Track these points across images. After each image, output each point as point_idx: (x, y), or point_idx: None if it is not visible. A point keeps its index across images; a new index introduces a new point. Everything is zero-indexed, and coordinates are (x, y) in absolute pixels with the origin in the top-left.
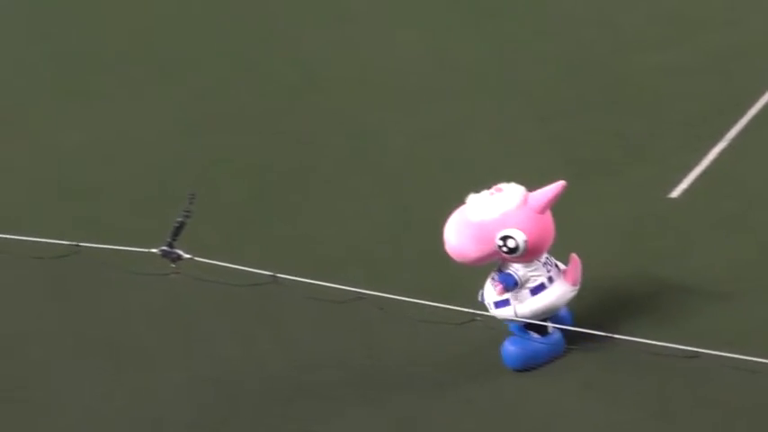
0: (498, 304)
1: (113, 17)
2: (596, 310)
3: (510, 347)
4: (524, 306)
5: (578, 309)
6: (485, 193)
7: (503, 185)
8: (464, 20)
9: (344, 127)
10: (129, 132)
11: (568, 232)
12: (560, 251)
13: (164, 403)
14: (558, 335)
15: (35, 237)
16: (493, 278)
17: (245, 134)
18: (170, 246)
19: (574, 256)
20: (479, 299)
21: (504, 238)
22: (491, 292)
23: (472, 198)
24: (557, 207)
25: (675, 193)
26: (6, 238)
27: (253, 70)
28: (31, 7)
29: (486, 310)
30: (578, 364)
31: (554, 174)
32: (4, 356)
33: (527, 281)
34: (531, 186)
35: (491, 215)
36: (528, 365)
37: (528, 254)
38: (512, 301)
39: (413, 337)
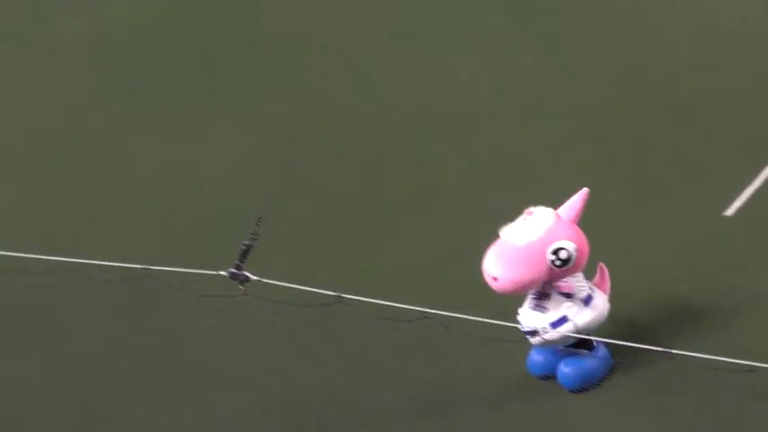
0: (556, 324)
1: (184, 45)
2: (652, 325)
3: (565, 369)
4: (582, 317)
5: (635, 323)
6: (523, 216)
7: (532, 209)
8: (523, 44)
9: (407, 150)
10: (198, 158)
11: (625, 250)
12: (619, 268)
13: (235, 422)
14: (604, 349)
15: (107, 260)
16: (537, 299)
17: (311, 159)
18: (238, 268)
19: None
20: (523, 330)
21: (557, 251)
22: (535, 316)
23: (507, 228)
24: (614, 225)
25: (730, 211)
26: (79, 262)
27: (318, 97)
28: (102, 36)
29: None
30: (633, 379)
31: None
32: (77, 377)
33: (577, 292)
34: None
35: (536, 234)
36: (584, 385)
37: (577, 264)
38: (569, 317)
39: (475, 355)
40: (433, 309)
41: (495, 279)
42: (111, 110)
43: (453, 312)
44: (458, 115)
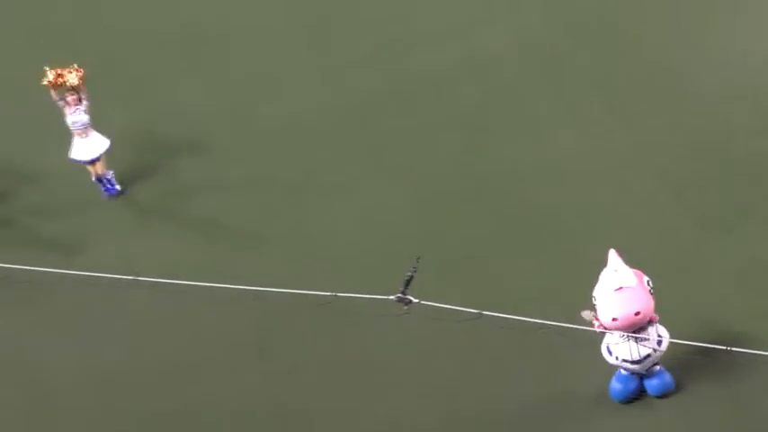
0: (660, 342)
1: (356, 123)
2: (716, 329)
3: (654, 381)
4: (665, 332)
5: (703, 328)
6: (611, 274)
7: (611, 265)
8: (613, 119)
9: (528, 201)
10: (367, 210)
11: (696, 274)
12: (690, 287)
13: (403, 414)
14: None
15: (303, 290)
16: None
17: (455, 208)
18: (403, 293)
19: None
20: (636, 359)
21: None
22: (643, 344)
23: (611, 281)
24: (687, 255)
25: None
26: (286, 291)
27: (460, 161)
28: (294, 119)
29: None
30: (704, 373)
31: (685, 233)
32: (290, 384)
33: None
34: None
35: (632, 275)
36: (668, 392)
37: None
38: (662, 334)
39: (587, 355)
40: (552, 321)
41: (638, 313)
42: (300, 177)
43: (568, 324)
44: (564, 174)
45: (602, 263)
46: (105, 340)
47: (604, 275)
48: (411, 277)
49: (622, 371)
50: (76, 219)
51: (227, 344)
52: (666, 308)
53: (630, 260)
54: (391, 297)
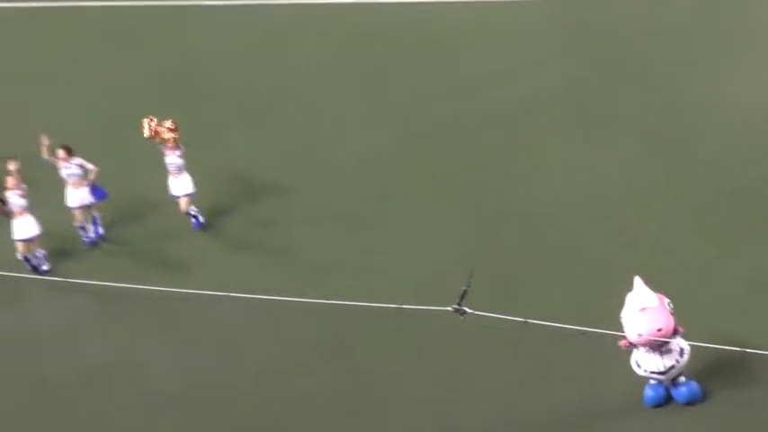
0: (682, 353)
1: (414, 162)
2: (733, 332)
3: (681, 390)
4: (685, 344)
5: (720, 332)
6: (635, 296)
7: (636, 289)
8: (640, 150)
9: (557, 225)
10: (417, 237)
11: (711, 284)
12: (708, 297)
13: (456, 410)
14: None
15: (373, 303)
16: (662, 344)
17: (505, 234)
18: (459, 305)
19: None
20: (662, 370)
21: (669, 303)
22: (667, 356)
23: (636, 300)
24: (704, 268)
25: None
26: (357, 305)
27: (504, 193)
28: (369, 156)
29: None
30: (723, 373)
31: (701, 248)
32: (355, 381)
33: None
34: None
35: (655, 296)
36: (696, 399)
37: None
38: (683, 347)
39: (623, 362)
40: (590, 329)
41: (660, 329)
42: (367, 208)
43: (605, 331)
44: (598, 200)
45: (632, 279)
46: (204, 350)
47: (629, 298)
48: (465, 291)
49: (651, 381)
50: (177, 244)
51: (308, 349)
52: (689, 317)
53: (655, 275)
54: (448, 308)
